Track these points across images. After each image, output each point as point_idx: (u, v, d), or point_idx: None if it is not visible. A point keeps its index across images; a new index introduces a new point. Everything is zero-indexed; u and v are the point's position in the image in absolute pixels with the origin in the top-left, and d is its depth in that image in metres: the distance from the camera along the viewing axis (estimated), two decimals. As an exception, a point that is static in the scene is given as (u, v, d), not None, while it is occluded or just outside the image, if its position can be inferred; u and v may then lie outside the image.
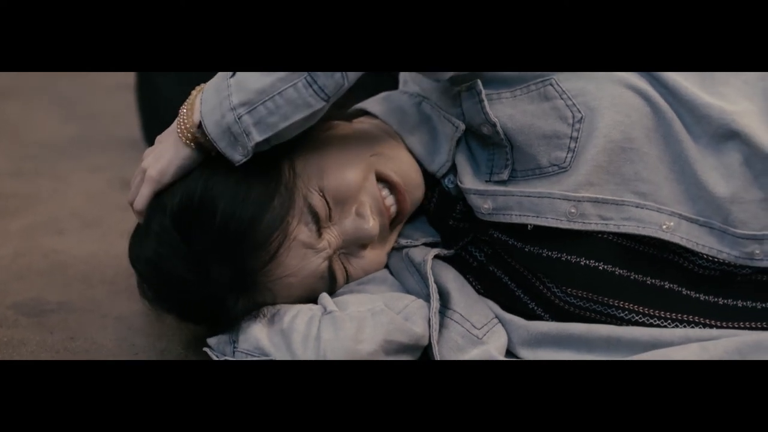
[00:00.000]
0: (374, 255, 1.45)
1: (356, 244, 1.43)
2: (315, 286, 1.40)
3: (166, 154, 1.36)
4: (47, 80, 2.77)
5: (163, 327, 1.51)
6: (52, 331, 1.52)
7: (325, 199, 1.38)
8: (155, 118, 2.17)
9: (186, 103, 1.36)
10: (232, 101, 1.30)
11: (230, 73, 1.31)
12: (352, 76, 1.30)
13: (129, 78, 2.39)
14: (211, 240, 1.32)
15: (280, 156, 1.38)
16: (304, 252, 1.37)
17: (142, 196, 1.37)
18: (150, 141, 2.16)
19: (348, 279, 1.44)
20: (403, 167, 1.45)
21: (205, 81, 1.38)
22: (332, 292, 1.42)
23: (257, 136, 1.30)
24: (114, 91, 2.68)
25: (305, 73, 1.28)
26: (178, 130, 1.35)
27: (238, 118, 1.29)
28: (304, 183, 1.38)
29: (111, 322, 1.56)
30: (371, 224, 1.40)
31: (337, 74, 1.29)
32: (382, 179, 1.44)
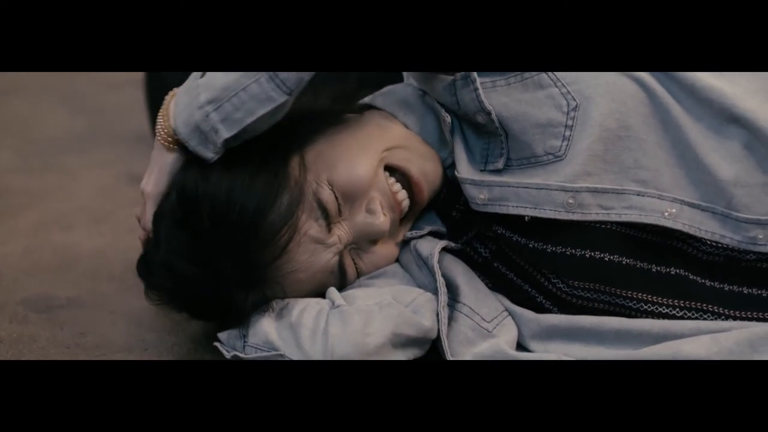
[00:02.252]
0: (385, 250, 1.45)
1: (366, 240, 1.43)
2: (325, 281, 1.40)
3: (155, 165, 1.39)
4: (54, 77, 2.77)
5: (173, 322, 1.51)
6: (63, 327, 1.53)
7: (335, 194, 1.38)
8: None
9: (162, 109, 1.38)
10: (200, 99, 1.32)
11: (201, 74, 1.34)
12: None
13: (135, 74, 2.39)
14: (217, 235, 1.32)
15: (289, 148, 1.38)
16: (313, 247, 1.37)
17: (147, 213, 1.39)
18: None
19: (359, 274, 1.44)
20: (419, 157, 1.44)
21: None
22: (342, 287, 1.42)
23: (225, 133, 1.32)
24: (121, 87, 2.68)
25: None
26: (159, 137, 1.37)
27: (206, 116, 1.32)
28: (314, 177, 1.38)
29: (121, 318, 1.56)
30: (381, 220, 1.40)
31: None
32: (395, 171, 1.43)
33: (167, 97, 1.38)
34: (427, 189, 1.44)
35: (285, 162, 1.37)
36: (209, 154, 1.34)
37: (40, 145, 2.35)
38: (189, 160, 1.37)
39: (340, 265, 1.40)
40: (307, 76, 1.32)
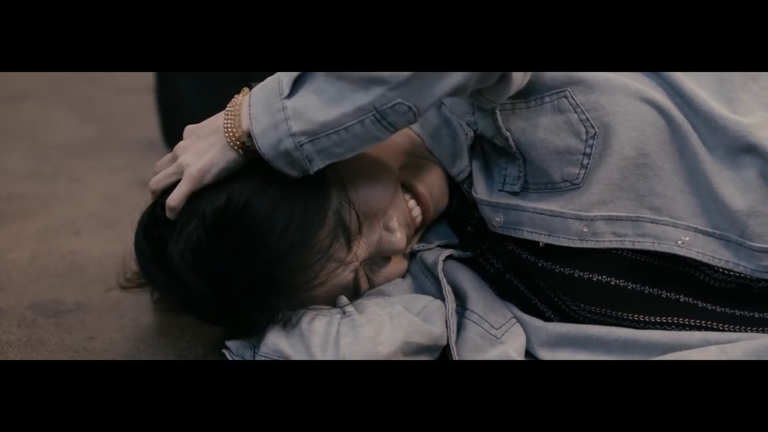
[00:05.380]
0: (397, 263, 1.45)
1: (382, 257, 1.43)
2: (337, 295, 1.39)
3: (209, 154, 1.31)
4: (64, 82, 2.78)
5: (181, 328, 1.52)
6: (71, 332, 1.53)
7: (356, 213, 1.37)
8: (174, 119, 2.17)
9: (231, 107, 1.30)
10: (291, 127, 1.24)
11: (284, 90, 1.25)
12: (424, 109, 1.25)
13: (146, 79, 2.40)
14: (246, 255, 1.29)
15: (329, 176, 1.34)
16: (333, 266, 1.36)
17: (179, 192, 1.32)
18: (169, 142, 2.19)
19: (370, 287, 1.43)
20: (429, 177, 1.44)
21: (221, 83, 1.37)
22: (355, 299, 1.41)
23: (320, 163, 1.27)
24: (131, 92, 2.68)
25: (373, 110, 1.23)
26: (227, 135, 1.29)
27: (299, 146, 1.25)
28: (338, 197, 1.35)
29: (129, 323, 1.56)
30: (399, 237, 1.39)
31: (410, 113, 1.24)
32: (408, 189, 1.43)
33: (238, 97, 1.31)
34: (432, 208, 1.44)
35: (327, 191, 1.33)
36: (294, 173, 1.28)
37: (49, 151, 2.35)
38: (249, 173, 1.31)
39: (355, 280, 1.40)
40: (417, 119, 1.26)
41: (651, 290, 1.38)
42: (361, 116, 1.24)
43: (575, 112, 1.36)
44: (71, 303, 1.62)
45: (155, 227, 1.37)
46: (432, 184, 1.44)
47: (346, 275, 1.38)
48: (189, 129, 1.37)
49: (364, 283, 1.42)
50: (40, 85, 2.76)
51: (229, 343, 1.39)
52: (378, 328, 1.33)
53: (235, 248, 1.29)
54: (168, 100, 2.22)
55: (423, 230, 1.48)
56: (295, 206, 1.30)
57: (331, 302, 1.39)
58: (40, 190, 2.12)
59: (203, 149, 1.32)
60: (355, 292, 1.41)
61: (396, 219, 1.40)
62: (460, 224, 1.48)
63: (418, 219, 1.44)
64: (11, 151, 2.35)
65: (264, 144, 1.26)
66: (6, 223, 1.95)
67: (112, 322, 1.57)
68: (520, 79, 1.31)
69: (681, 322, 1.38)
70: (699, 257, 1.35)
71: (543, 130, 1.36)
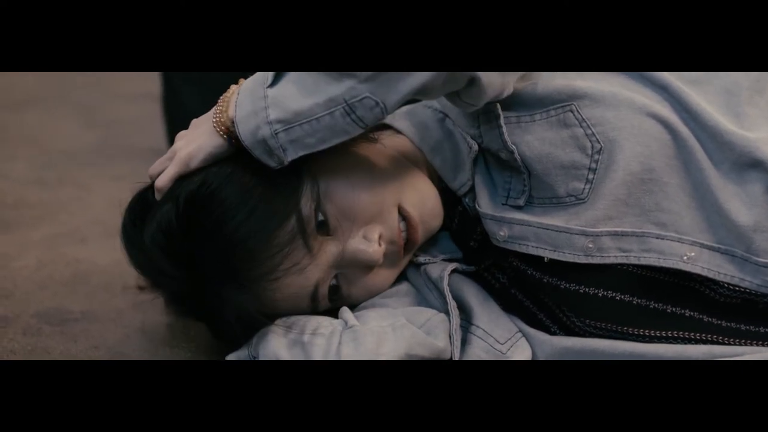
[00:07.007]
0: (376, 275, 1.43)
1: (357, 267, 1.40)
2: (305, 299, 1.38)
3: (198, 140, 1.35)
4: (68, 88, 2.79)
5: (186, 337, 1.52)
6: (76, 340, 1.53)
7: (327, 215, 1.36)
8: (180, 128, 2.17)
9: (224, 95, 1.35)
10: (268, 115, 1.28)
11: (269, 79, 1.30)
12: (391, 106, 1.28)
13: (149, 86, 2.41)
14: (211, 243, 1.30)
15: (308, 171, 1.35)
16: (291, 263, 1.33)
17: (167, 174, 1.36)
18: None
19: (348, 297, 1.42)
20: (423, 198, 1.42)
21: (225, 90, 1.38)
22: (316, 312, 1.40)
23: (293, 153, 1.29)
24: (135, 100, 2.69)
25: (343, 102, 1.26)
26: (214, 120, 1.34)
27: (275, 134, 1.28)
28: (311, 195, 1.35)
29: (134, 332, 1.57)
30: (374, 249, 1.37)
31: (377, 108, 1.27)
32: (399, 210, 1.41)
33: (233, 87, 1.35)
34: (421, 230, 1.42)
35: (298, 187, 1.35)
36: (272, 163, 1.31)
37: (54, 158, 2.36)
38: (231, 162, 1.34)
39: (334, 287, 1.39)
40: (385, 115, 1.28)
41: (656, 305, 1.38)
42: (331, 107, 1.27)
43: (581, 126, 1.36)
44: (77, 311, 1.62)
45: (141, 210, 1.41)
46: (425, 206, 1.43)
47: (309, 276, 1.36)
48: (193, 122, 1.41)
49: (323, 294, 1.39)
50: (45, 92, 2.76)
51: (228, 357, 1.39)
52: (380, 339, 1.33)
53: (199, 231, 1.31)
54: (174, 110, 2.22)
55: (413, 250, 1.45)
56: (262, 197, 1.31)
57: (300, 309, 1.38)
58: (45, 197, 2.12)
59: (195, 136, 1.36)
60: (332, 299, 1.40)
61: (379, 232, 1.38)
62: (463, 239, 1.48)
63: (403, 234, 1.41)
64: (16, 158, 2.35)
65: (244, 130, 1.29)
66: (11, 230, 1.95)
67: (118, 331, 1.57)
68: (497, 81, 1.32)
69: (686, 336, 1.38)
70: (704, 272, 1.35)
71: (548, 144, 1.36)
